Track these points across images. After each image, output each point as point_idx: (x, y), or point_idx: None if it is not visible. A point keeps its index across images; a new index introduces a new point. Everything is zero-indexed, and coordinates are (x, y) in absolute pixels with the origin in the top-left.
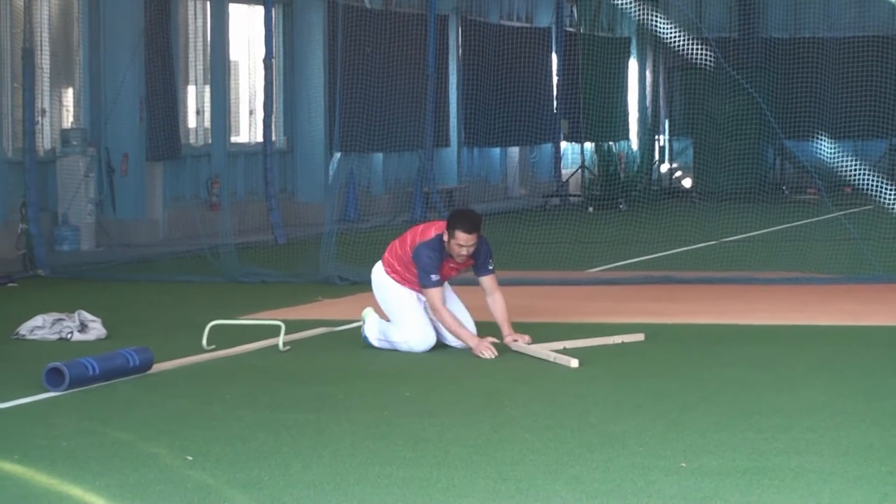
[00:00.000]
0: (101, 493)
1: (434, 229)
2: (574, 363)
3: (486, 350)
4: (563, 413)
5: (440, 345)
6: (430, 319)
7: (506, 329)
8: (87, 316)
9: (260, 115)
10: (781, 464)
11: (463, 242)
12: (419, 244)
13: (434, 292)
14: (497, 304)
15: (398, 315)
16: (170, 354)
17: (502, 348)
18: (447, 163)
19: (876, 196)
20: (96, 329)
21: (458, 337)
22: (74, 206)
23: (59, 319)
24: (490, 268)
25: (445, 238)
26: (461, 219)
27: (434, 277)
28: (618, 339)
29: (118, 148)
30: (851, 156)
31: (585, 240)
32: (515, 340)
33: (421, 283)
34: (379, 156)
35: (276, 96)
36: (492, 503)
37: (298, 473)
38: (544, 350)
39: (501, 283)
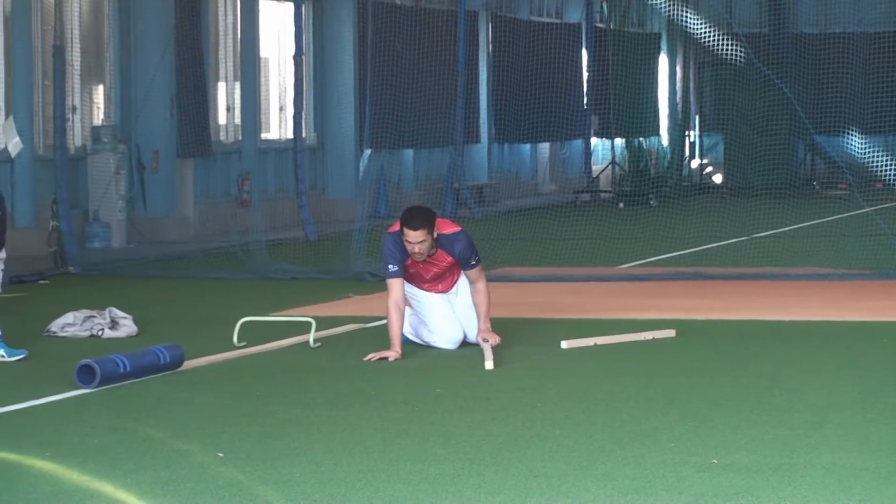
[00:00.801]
0: (133, 490)
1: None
2: (489, 365)
3: (373, 355)
4: (594, 409)
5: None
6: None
7: (482, 324)
8: (117, 313)
9: (290, 111)
10: (812, 460)
11: (411, 239)
12: (385, 234)
13: (392, 283)
14: (478, 295)
15: (423, 312)
16: (201, 351)
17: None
18: (477, 159)
19: None
20: (127, 326)
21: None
22: (105, 203)
23: (90, 317)
24: (472, 263)
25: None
26: (407, 215)
27: (392, 268)
28: (648, 335)
29: (149, 145)
30: (882, 151)
31: (616, 236)
32: (486, 341)
33: (383, 273)
34: (409, 152)
35: (307, 93)
36: (523, 500)
37: (329, 470)
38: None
39: (534, 279)
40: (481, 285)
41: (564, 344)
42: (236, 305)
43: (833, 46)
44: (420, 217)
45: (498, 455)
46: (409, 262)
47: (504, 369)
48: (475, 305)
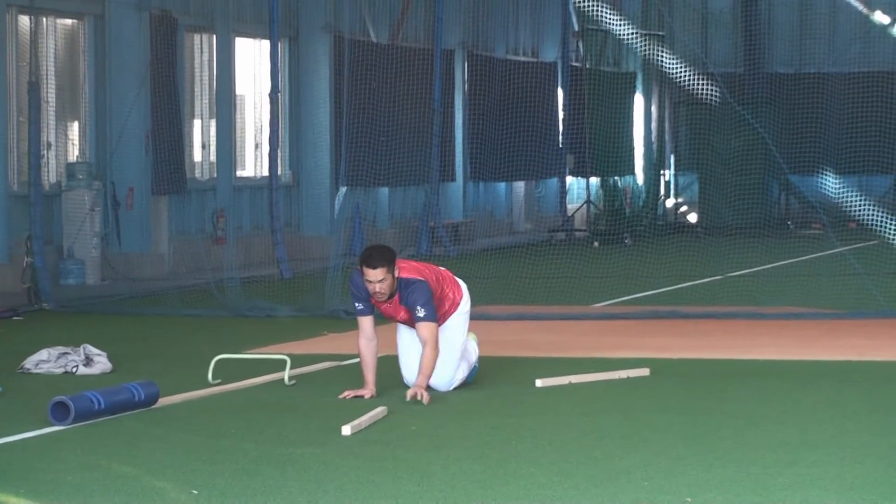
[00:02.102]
0: None
1: None
2: (345, 430)
3: (348, 393)
4: (568, 447)
5: None
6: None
7: (418, 379)
8: (92, 350)
9: (265, 149)
10: (786, 499)
11: (371, 278)
12: (353, 271)
13: (362, 321)
14: (422, 357)
15: (398, 351)
16: (175, 388)
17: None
18: (453, 197)
19: (880, 231)
20: (101, 363)
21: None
22: (80, 239)
23: (65, 353)
24: (421, 315)
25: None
26: (366, 252)
27: (358, 306)
28: (623, 373)
29: (123, 182)
30: (856, 191)
31: (591, 275)
32: (415, 396)
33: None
34: (384, 190)
35: (282, 130)
36: None
37: None
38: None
39: (509, 317)
40: (428, 349)
41: (539, 382)
42: (211, 343)
43: (808, 86)
44: (379, 255)
45: (473, 493)
46: (375, 301)
47: (479, 408)
48: (420, 362)
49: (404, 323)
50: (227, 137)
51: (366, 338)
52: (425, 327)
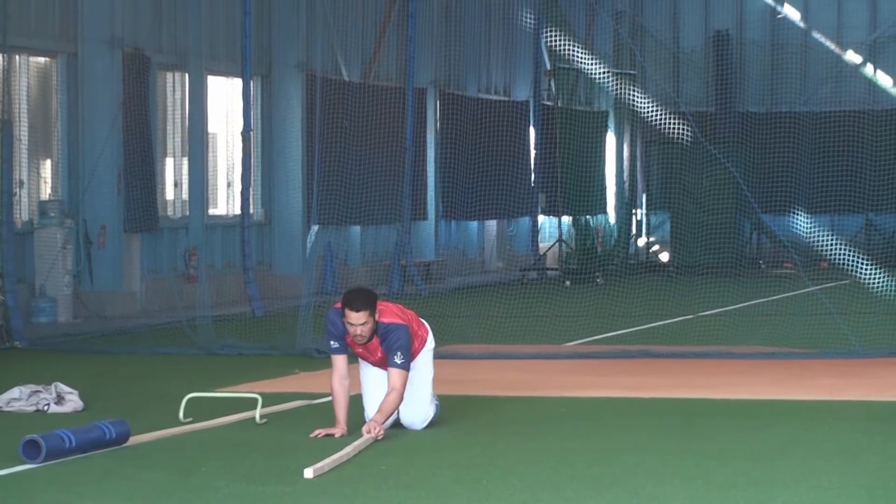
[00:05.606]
0: None
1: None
2: (308, 473)
3: (319, 431)
4: (539, 487)
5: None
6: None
7: (376, 416)
8: (63, 388)
9: (238, 187)
10: None
11: (353, 321)
12: (331, 309)
13: (336, 359)
14: (385, 401)
15: (362, 389)
16: (146, 427)
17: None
18: (424, 236)
19: (852, 271)
20: (73, 401)
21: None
22: (52, 277)
23: (36, 391)
24: (398, 362)
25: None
26: (349, 296)
27: (333, 344)
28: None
29: (96, 220)
30: (827, 230)
31: (563, 314)
32: (369, 432)
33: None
34: (356, 228)
35: (254, 169)
36: None
37: None
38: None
39: (481, 356)
40: (394, 396)
41: (309, 472)
42: (182, 381)
43: (779, 126)
44: (362, 299)
45: None
46: (350, 340)
47: (449, 447)
48: (380, 401)
49: (376, 364)
50: (200, 175)
51: (339, 376)
52: (398, 375)
